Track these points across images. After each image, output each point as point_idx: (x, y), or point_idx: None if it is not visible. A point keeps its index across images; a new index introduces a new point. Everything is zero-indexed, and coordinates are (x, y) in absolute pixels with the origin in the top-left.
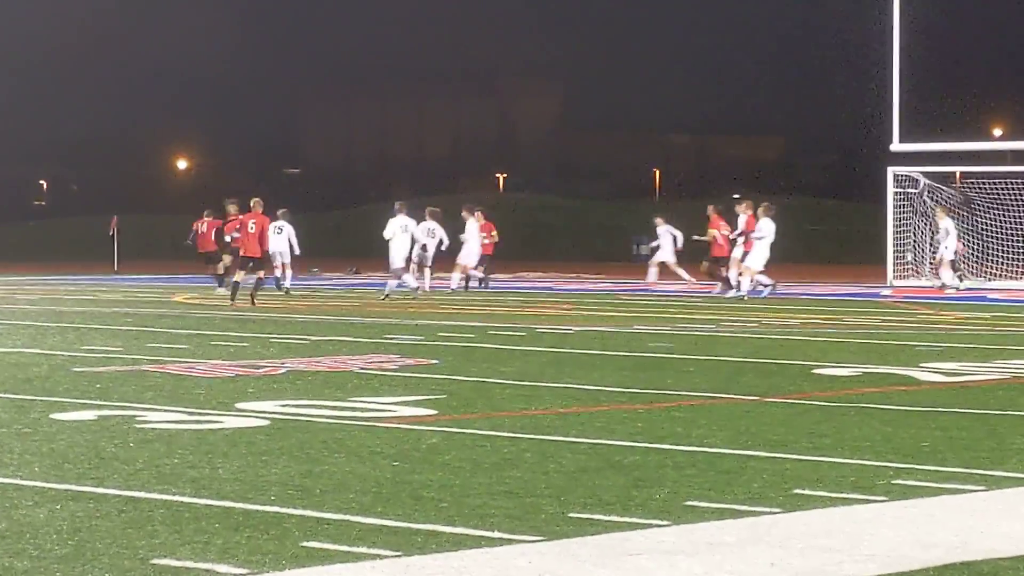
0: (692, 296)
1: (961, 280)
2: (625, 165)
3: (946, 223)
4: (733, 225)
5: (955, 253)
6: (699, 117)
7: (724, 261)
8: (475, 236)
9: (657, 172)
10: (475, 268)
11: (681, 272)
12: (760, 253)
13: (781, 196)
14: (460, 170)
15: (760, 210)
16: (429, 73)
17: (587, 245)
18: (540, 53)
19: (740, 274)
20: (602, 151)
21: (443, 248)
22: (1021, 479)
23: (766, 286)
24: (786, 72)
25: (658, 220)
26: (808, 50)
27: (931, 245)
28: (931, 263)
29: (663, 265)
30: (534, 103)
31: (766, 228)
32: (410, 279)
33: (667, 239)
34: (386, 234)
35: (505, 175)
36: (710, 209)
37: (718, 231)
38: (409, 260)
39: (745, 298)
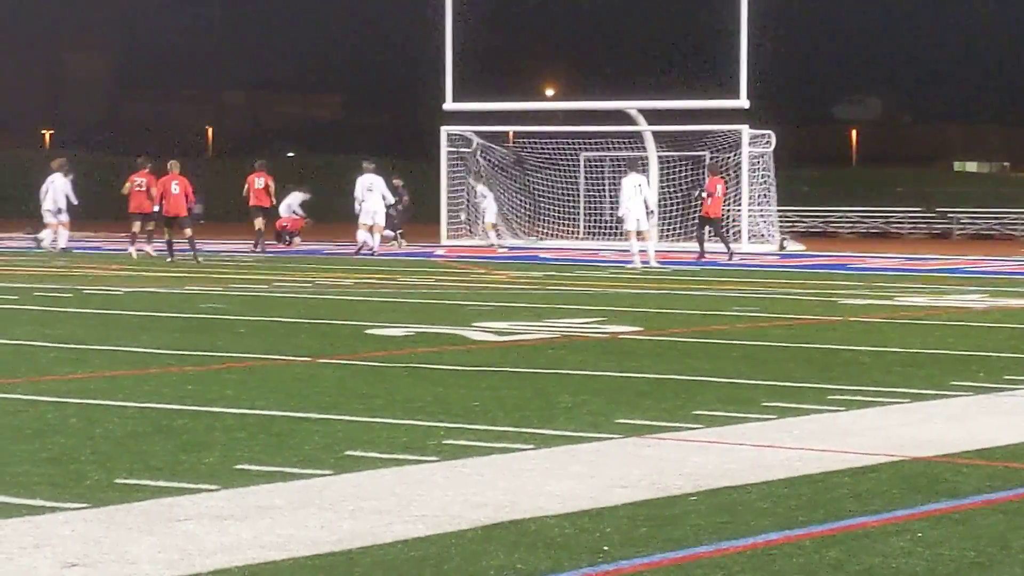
0: (244, 257)
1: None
2: (178, 123)
3: (481, 188)
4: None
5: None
6: (253, 75)
7: None
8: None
9: (210, 130)
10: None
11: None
12: None
13: (338, 155)
14: (4, 125)
15: None
16: None
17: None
18: (91, 4)
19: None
20: (154, 108)
21: None
22: (569, 437)
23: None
24: (341, 29)
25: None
26: (363, 6)
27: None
28: (483, 223)
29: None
30: (85, 58)
31: None
32: None
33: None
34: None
35: (52, 132)
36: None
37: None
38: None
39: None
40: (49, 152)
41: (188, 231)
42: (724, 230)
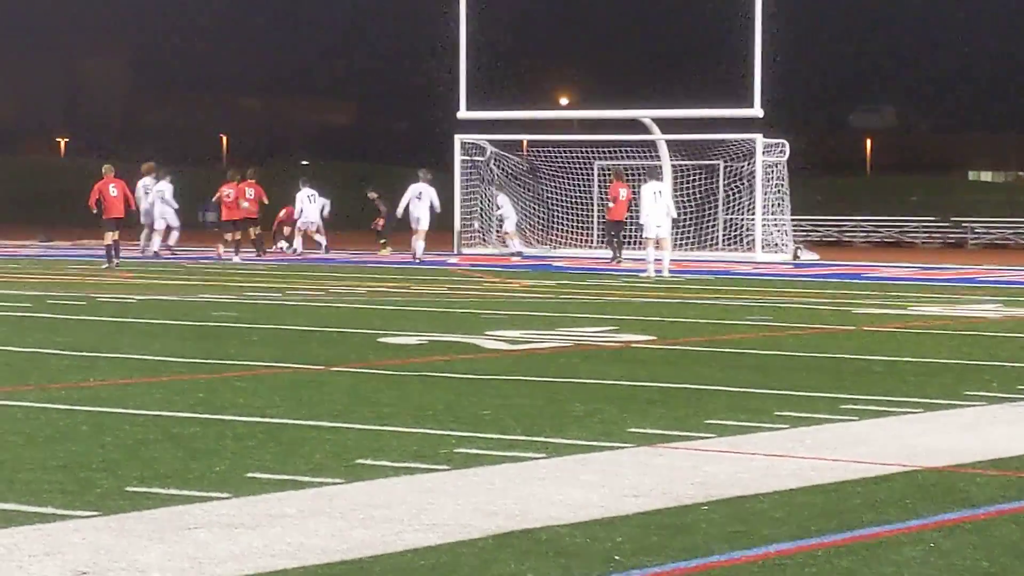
0: (257, 265)
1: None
2: (193, 129)
3: (501, 199)
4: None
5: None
6: (268, 80)
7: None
8: None
9: (224, 137)
10: None
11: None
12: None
13: (353, 162)
14: (21, 132)
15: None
16: None
17: None
18: (106, 11)
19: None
20: (169, 115)
21: None
22: (580, 446)
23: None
24: (357, 37)
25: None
26: (378, 14)
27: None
28: (498, 232)
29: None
30: (99, 64)
31: None
32: None
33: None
34: None
35: (67, 139)
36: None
37: None
38: None
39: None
40: (64, 159)
41: (115, 235)
42: (622, 236)
